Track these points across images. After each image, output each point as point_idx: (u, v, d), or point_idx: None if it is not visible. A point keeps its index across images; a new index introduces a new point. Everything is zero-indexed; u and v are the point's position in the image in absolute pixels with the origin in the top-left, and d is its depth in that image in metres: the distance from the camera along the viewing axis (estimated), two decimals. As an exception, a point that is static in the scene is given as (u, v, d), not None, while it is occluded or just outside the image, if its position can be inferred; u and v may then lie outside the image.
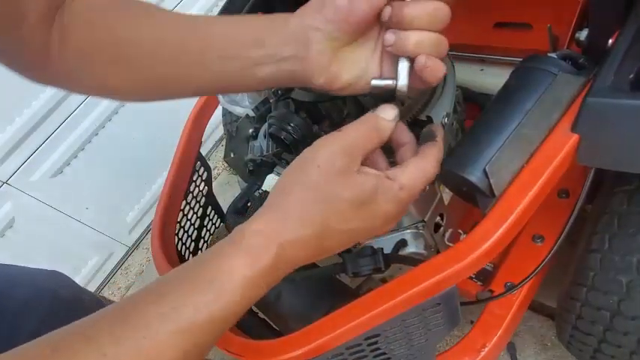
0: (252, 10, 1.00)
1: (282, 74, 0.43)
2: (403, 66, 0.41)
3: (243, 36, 0.43)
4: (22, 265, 1.45)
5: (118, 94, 0.48)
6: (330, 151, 0.39)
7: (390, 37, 0.40)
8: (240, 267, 0.37)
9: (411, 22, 0.39)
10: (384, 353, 0.65)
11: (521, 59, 0.61)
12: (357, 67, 0.43)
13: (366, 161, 0.42)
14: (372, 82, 0.43)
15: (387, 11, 0.40)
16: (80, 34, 0.44)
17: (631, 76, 0.49)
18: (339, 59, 0.42)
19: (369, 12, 0.40)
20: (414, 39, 0.39)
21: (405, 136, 0.46)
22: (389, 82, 0.42)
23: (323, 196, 0.38)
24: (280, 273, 0.39)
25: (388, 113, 0.42)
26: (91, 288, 1.77)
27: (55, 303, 0.71)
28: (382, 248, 0.63)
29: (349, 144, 0.40)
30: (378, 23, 0.43)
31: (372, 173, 0.40)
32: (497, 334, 0.68)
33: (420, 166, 0.42)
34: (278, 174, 0.84)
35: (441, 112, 0.67)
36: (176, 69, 0.44)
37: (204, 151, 1.53)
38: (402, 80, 0.42)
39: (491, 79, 0.88)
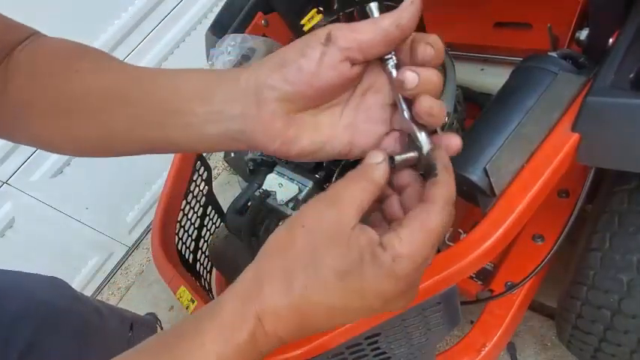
0: (252, 10, 1.00)
1: (232, 135, 0.38)
2: (423, 133, 0.36)
3: (189, 89, 0.38)
4: (23, 264, 1.44)
5: (56, 148, 0.44)
6: (316, 208, 0.33)
7: (429, 103, 0.33)
8: (213, 344, 0.32)
9: (439, 88, 0.34)
10: (384, 352, 0.65)
11: (521, 59, 0.61)
12: (319, 134, 0.37)
13: (386, 215, 0.37)
14: (397, 159, 0.36)
15: (413, 77, 0.32)
16: (21, 84, 0.41)
17: (631, 75, 0.49)
18: (297, 123, 0.36)
19: (337, 80, 0.34)
20: (442, 107, 0.35)
21: (405, 176, 0.37)
22: (412, 154, 0.36)
23: (305, 261, 0.32)
24: (261, 349, 0.33)
25: (376, 156, 0.35)
26: (91, 288, 1.77)
27: (51, 314, 0.71)
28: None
29: (336, 196, 0.33)
30: (348, 89, 0.38)
31: (364, 236, 0.32)
32: (497, 334, 0.69)
33: (421, 225, 0.32)
34: (278, 173, 0.84)
35: (441, 111, 0.67)
36: (116, 123, 0.40)
37: (204, 151, 1.53)
38: (428, 147, 0.36)
39: (492, 78, 0.88)
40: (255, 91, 0.35)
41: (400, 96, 0.36)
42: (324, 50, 0.33)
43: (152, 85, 0.39)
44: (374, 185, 0.34)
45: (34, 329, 0.67)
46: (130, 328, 0.90)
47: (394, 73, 0.35)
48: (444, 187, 0.33)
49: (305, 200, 0.80)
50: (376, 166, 0.34)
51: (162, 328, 1.00)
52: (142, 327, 0.94)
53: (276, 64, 0.35)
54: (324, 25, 0.51)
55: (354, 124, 0.38)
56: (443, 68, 0.74)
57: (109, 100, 0.40)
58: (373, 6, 0.36)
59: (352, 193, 0.33)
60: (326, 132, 0.38)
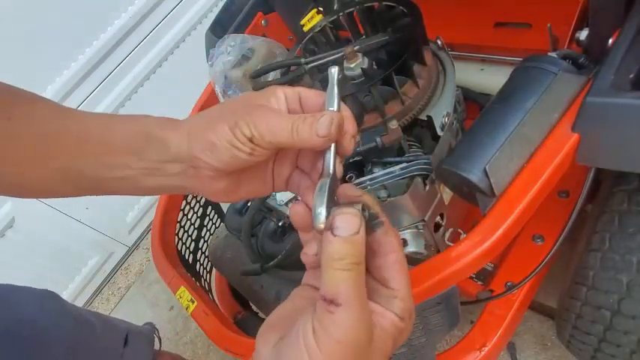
0: (252, 10, 1.00)
1: (171, 187, 0.41)
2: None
3: (120, 143, 0.39)
4: (23, 264, 1.43)
5: None
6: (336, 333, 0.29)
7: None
8: None
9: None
10: (384, 353, 0.65)
11: (521, 59, 0.61)
12: (254, 186, 0.42)
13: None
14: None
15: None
16: None
17: (631, 75, 0.49)
18: (234, 180, 0.40)
19: (265, 159, 0.37)
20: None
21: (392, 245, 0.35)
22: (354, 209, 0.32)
23: None
24: None
25: (351, 225, 0.30)
26: (91, 288, 1.77)
27: (37, 333, 0.69)
28: (382, 248, 0.63)
29: (364, 322, 0.30)
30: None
31: (387, 324, 0.32)
32: (498, 334, 0.68)
33: (405, 276, 0.33)
34: (278, 174, 0.84)
35: (441, 111, 0.67)
36: (49, 172, 0.40)
37: (204, 151, 1.53)
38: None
39: (492, 78, 0.88)
40: (189, 158, 0.38)
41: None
42: (253, 147, 0.35)
43: (83, 136, 0.40)
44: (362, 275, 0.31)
45: (19, 350, 0.65)
46: (125, 342, 0.88)
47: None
48: (394, 232, 0.34)
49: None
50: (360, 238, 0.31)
51: (160, 339, 0.99)
52: (138, 339, 0.92)
53: (208, 146, 0.36)
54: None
55: (275, 171, 0.42)
56: (443, 68, 0.74)
57: (40, 150, 0.39)
58: (334, 71, 0.38)
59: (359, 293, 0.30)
60: (259, 182, 0.42)
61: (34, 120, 0.40)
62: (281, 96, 0.38)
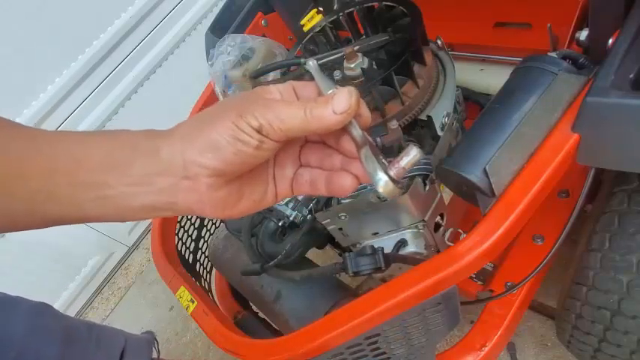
0: (252, 10, 1.00)
1: (160, 206, 0.36)
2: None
3: (96, 158, 0.35)
4: (23, 264, 1.43)
5: None
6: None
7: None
8: None
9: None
10: (384, 353, 0.65)
11: (521, 59, 0.61)
12: (255, 194, 0.39)
13: None
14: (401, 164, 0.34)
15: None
16: None
17: (631, 75, 0.49)
18: (234, 189, 0.37)
19: (271, 155, 0.36)
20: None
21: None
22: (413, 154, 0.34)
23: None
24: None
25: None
26: (91, 288, 1.77)
27: (22, 355, 0.68)
28: (382, 247, 0.63)
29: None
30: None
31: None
32: (497, 334, 0.68)
33: None
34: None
35: (442, 111, 0.67)
36: (17, 200, 0.35)
37: (204, 151, 1.53)
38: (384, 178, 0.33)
39: (491, 78, 0.88)
40: (183, 167, 0.34)
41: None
42: (260, 139, 0.33)
43: (54, 154, 0.35)
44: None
45: None
46: (121, 356, 0.87)
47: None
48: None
49: (305, 201, 0.80)
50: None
51: (158, 352, 0.98)
52: (135, 353, 0.92)
53: (208, 145, 0.33)
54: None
55: (276, 175, 0.40)
56: (443, 68, 0.74)
57: (6, 173, 0.34)
58: (312, 63, 0.38)
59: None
60: (261, 191, 0.39)
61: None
62: (275, 91, 0.36)
